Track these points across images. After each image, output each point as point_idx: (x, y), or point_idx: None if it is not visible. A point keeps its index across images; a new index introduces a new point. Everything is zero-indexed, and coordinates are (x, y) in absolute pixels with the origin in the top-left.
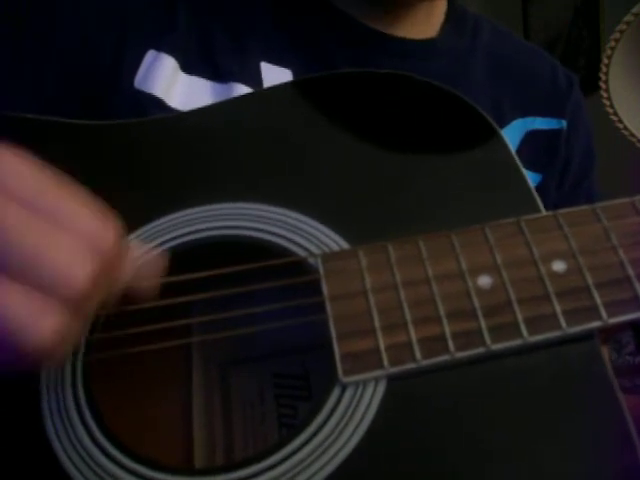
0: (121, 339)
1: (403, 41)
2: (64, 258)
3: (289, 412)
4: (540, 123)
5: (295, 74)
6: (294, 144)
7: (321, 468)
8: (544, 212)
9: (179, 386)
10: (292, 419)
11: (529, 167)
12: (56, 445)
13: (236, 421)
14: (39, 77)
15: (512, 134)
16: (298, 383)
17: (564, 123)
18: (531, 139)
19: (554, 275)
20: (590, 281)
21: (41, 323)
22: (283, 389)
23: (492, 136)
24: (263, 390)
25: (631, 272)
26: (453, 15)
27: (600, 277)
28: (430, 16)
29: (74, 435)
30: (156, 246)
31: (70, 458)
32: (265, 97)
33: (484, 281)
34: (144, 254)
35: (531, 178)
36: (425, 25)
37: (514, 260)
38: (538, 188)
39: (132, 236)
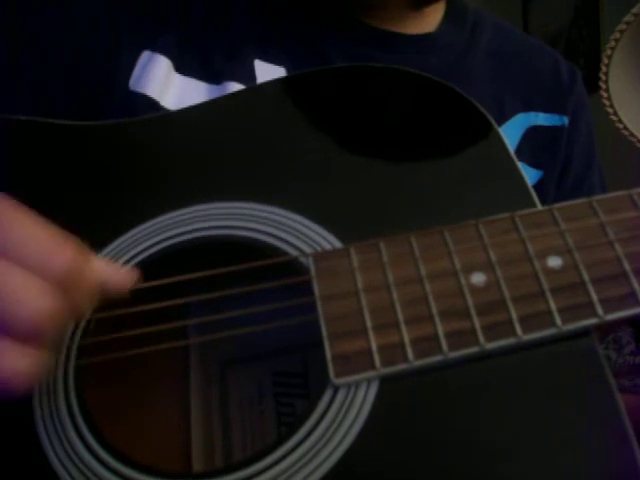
0: (114, 342)
1: (400, 36)
2: (12, 297)
3: (288, 410)
4: (543, 119)
5: (289, 71)
6: (287, 141)
7: (312, 471)
8: (539, 207)
9: (176, 388)
10: (291, 417)
11: (530, 163)
12: (49, 451)
13: (234, 421)
14: (38, 77)
15: (513, 129)
16: (297, 381)
17: (566, 120)
18: (532, 135)
19: (549, 271)
20: (586, 277)
21: None
22: (282, 387)
23: (488, 129)
24: (262, 389)
25: (628, 267)
26: (452, 11)
27: (596, 273)
28: (427, 12)
29: (67, 441)
30: (150, 246)
31: (63, 464)
32: (257, 94)
33: (478, 279)
34: (112, 270)
35: (531, 174)
36: (422, 21)
37: (508, 257)
38: (538, 185)
39: (124, 238)
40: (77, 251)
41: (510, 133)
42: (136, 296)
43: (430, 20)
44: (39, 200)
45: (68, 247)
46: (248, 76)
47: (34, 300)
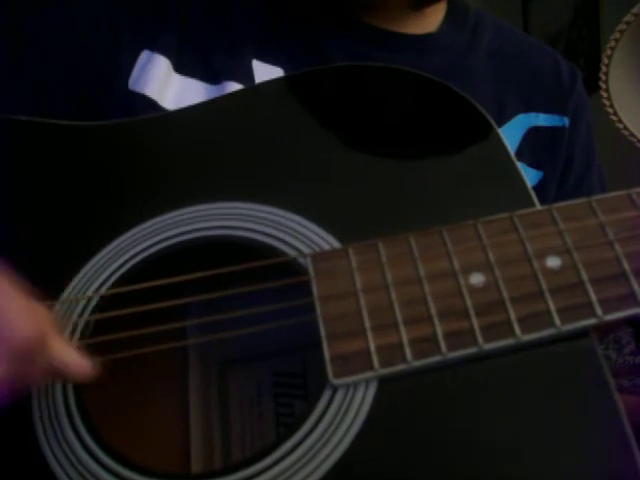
0: (113, 343)
1: (400, 36)
2: None
3: (287, 411)
4: (543, 120)
5: (286, 72)
6: (286, 141)
7: (311, 472)
8: (538, 207)
9: (175, 388)
10: (290, 417)
11: (530, 164)
12: (47, 452)
13: (233, 421)
14: (38, 77)
15: (514, 130)
16: (296, 381)
17: (566, 120)
18: (533, 135)
19: (548, 272)
20: (585, 277)
21: None
22: (282, 387)
23: (487, 130)
24: (262, 389)
25: (627, 267)
26: (454, 11)
27: (595, 273)
28: (428, 12)
29: (65, 442)
30: (149, 246)
31: (61, 465)
32: (256, 93)
33: (476, 279)
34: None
35: (532, 175)
36: (423, 21)
37: (507, 257)
38: (539, 185)
39: (124, 238)
40: (43, 328)
41: (511, 134)
42: (136, 296)
43: (431, 20)
44: (39, 200)
45: (35, 322)
46: (247, 76)
47: None
